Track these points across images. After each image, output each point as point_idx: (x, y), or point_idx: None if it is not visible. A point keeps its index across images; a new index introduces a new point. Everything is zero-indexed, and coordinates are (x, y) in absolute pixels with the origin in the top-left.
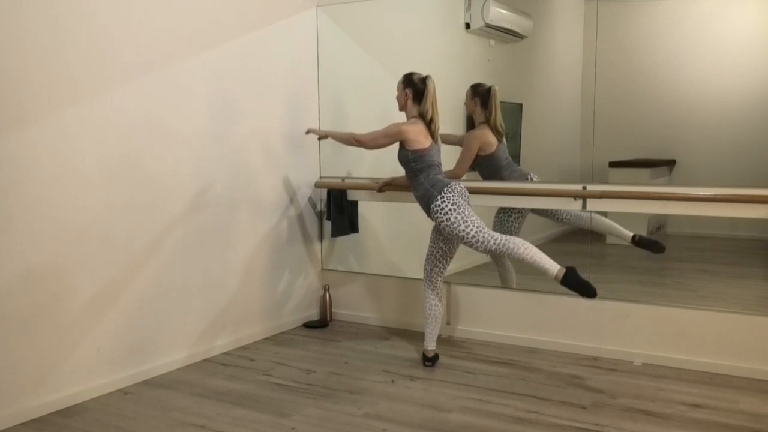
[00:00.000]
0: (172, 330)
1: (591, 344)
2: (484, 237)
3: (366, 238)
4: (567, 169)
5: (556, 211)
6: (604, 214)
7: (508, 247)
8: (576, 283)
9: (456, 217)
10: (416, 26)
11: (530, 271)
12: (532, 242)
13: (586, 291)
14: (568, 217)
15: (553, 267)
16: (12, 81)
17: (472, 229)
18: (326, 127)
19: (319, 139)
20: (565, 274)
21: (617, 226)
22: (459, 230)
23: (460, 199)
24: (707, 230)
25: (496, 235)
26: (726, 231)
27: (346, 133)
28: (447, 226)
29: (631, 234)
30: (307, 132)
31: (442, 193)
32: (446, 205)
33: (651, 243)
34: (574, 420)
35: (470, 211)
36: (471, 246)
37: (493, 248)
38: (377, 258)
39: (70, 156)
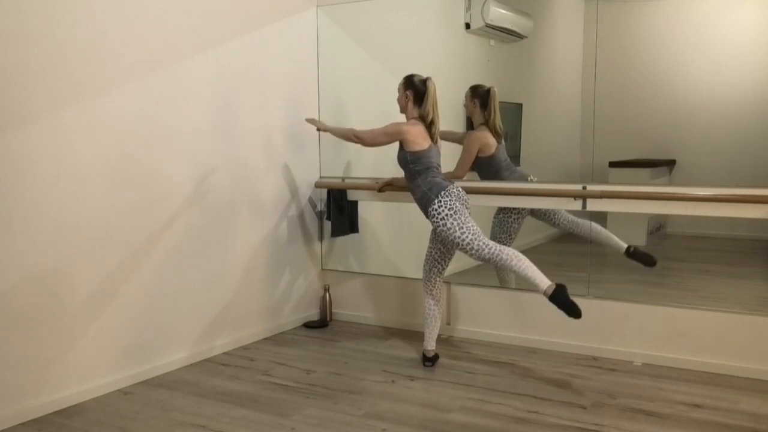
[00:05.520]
0: (172, 330)
1: (591, 344)
2: (478, 245)
3: (366, 238)
4: (567, 169)
5: (554, 215)
6: (604, 215)
7: (501, 257)
8: (564, 302)
9: (452, 223)
10: (416, 26)
11: None
12: (533, 242)
13: (573, 311)
14: (565, 222)
15: (544, 282)
16: (12, 80)
17: (467, 236)
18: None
19: (318, 130)
20: (555, 291)
21: (613, 237)
22: (455, 236)
23: (457, 204)
24: (707, 230)
25: (491, 244)
26: (726, 231)
27: (346, 129)
28: (443, 231)
29: (625, 246)
30: (307, 119)
31: (440, 197)
32: (443, 210)
33: (643, 256)
34: (574, 420)
35: (467, 216)
36: (465, 252)
37: (486, 257)
38: (377, 258)
39: (70, 156)
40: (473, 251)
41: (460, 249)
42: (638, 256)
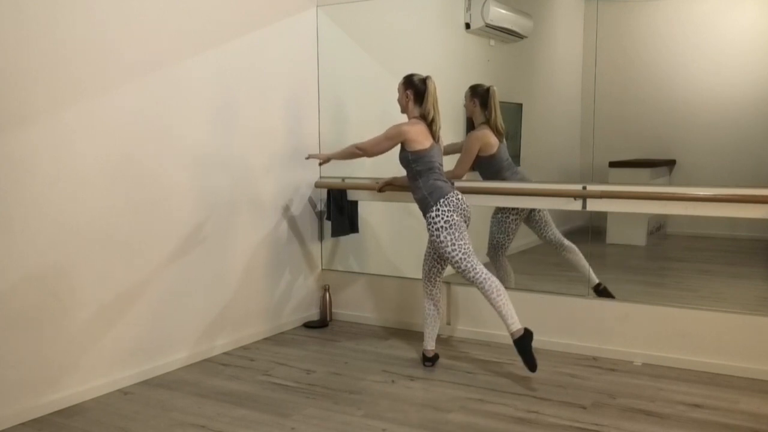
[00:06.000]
0: (173, 330)
1: (591, 344)
2: (466, 266)
3: (366, 238)
4: (567, 169)
5: (545, 228)
6: (604, 215)
7: (484, 286)
8: (525, 350)
9: (445, 237)
10: (416, 26)
11: (529, 270)
12: (531, 243)
13: (530, 362)
14: (551, 238)
15: (515, 324)
16: (12, 80)
17: (457, 255)
18: (326, 127)
19: (321, 164)
20: (522, 336)
21: (589, 270)
22: (445, 251)
23: (455, 216)
24: (707, 230)
25: (479, 268)
26: (726, 231)
27: (347, 148)
28: (435, 241)
29: (597, 281)
30: (308, 157)
31: (438, 205)
32: (439, 221)
33: (608, 296)
34: (574, 420)
35: (462, 231)
36: (452, 267)
37: (471, 279)
38: (377, 258)
39: (70, 156)
40: (460, 270)
41: (449, 264)
42: (605, 295)
